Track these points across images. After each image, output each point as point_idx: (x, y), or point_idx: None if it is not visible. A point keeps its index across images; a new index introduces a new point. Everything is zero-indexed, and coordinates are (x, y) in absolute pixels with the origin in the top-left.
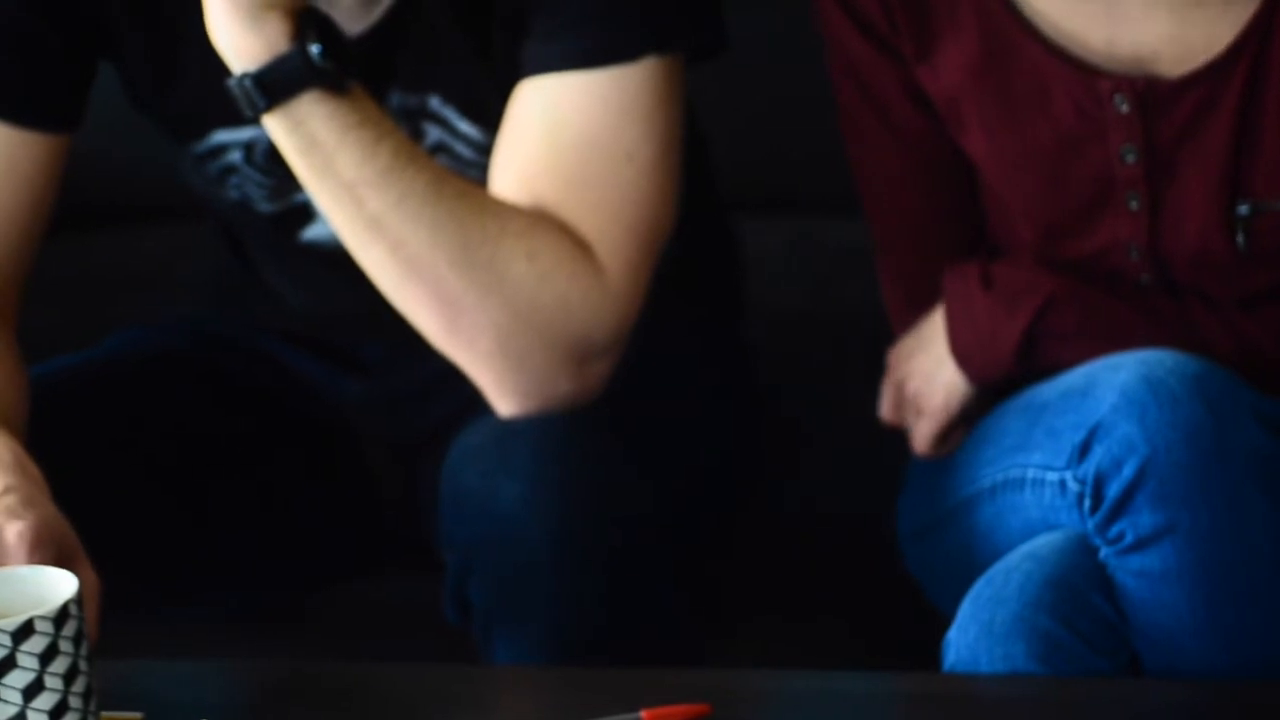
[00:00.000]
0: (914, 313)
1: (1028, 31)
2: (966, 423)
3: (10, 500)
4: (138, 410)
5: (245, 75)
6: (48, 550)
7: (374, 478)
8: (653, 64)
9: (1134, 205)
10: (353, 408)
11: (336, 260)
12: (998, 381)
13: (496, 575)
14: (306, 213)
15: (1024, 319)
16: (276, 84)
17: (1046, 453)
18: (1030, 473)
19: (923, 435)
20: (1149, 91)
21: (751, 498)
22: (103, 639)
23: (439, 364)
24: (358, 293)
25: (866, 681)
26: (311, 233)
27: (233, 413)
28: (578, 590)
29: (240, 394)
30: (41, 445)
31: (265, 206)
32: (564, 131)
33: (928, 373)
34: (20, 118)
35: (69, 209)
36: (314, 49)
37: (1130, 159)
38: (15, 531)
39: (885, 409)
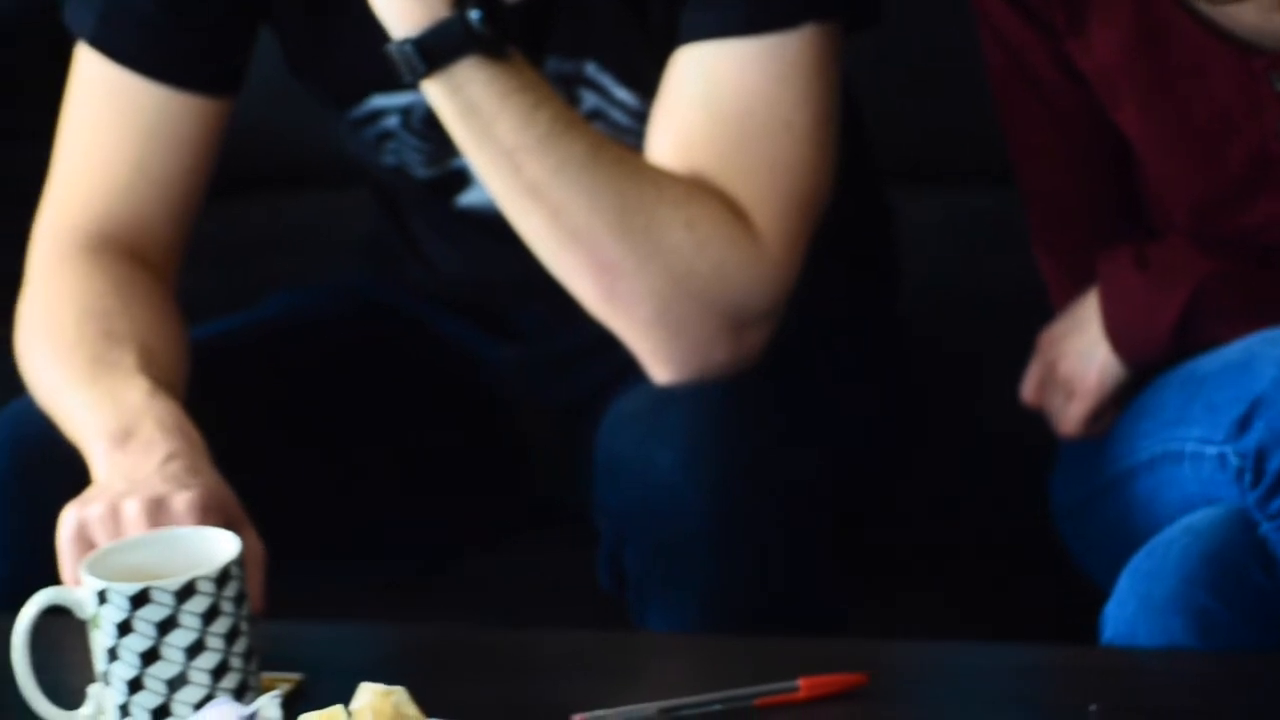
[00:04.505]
0: (1076, 288)
1: (1183, 7)
2: (1116, 404)
3: (175, 467)
4: (292, 374)
5: (405, 40)
6: (214, 518)
7: (528, 444)
8: (811, 31)
9: None
10: (507, 374)
11: (492, 226)
12: (1152, 362)
13: (651, 543)
14: (463, 178)
15: (1179, 299)
16: (436, 49)
17: (1205, 426)
18: (1189, 446)
19: (1074, 416)
20: None
21: (905, 467)
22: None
23: (593, 330)
24: (513, 258)
25: (1024, 654)
26: (467, 198)
27: (387, 378)
28: (733, 559)
29: (394, 359)
30: (197, 407)
31: (422, 172)
32: (721, 99)
33: (1082, 353)
34: (182, 81)
35: (228, 173)
36: (474, 14)
37: None
38: (184, 500)
39: (1028, 390)
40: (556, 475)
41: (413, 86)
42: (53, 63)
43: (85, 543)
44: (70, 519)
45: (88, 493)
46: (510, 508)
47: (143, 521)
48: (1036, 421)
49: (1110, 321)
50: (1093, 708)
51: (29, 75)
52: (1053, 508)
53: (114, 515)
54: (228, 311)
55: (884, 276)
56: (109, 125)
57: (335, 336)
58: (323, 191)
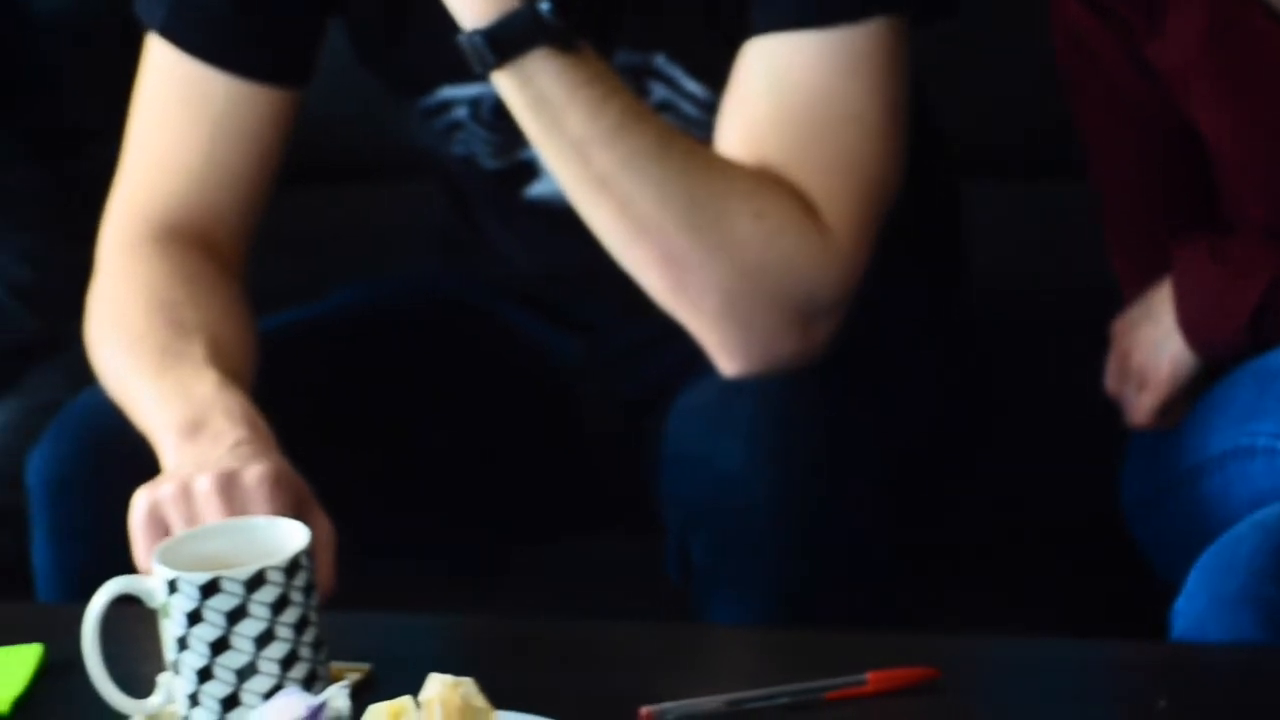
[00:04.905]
0: (1146, 282)
1: (1259, 6)
2: (1188, 397)
3: (245, 450)
4: (359, 365)
5: (476, 32)
6: (284, 493)
7: (595, 436)
8: (880, 24)
9: None
10: (574, 365)
11: (560, 217)
12: (1225, 355)
13: (718, 536)
14: (531, 170)
15: (1254, 295)
16: (506, 41)
17: (1277, 421)
18: (1261, 441)
19: (1145, 407)
20: None
21: (972, 462)
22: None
23: (661, 322)
24: (580, 250)
25: (1095, 649)
26: (536, 190)
27: (454, 370)
28: (799, 551)
29: (461, 351)
30: (265, 398)
31: (490, 163)
32: (790, 91)
33: (1154, 344)
34: (252, 72)
35: (297, 164)
36: (544, 6)
37: None
38: (255, 474)
39: (1111, 381)
40: (623, 467)
41: (483, 78)
42: (134, 63)
43: (158, 525)
44: (142, 502)
45: (158, 478)
46: (576, 500)
47: (214, 496)
48: (1104, 415)
49: (1183, 314)
50: (1162, 703)
51: (114, 75)
52: (1122, 502)
53: (185, 493)
54: (296, 303)
55: (952, 269)
56: (178, 115)
57: (402, 328)
58: (391, 184)
